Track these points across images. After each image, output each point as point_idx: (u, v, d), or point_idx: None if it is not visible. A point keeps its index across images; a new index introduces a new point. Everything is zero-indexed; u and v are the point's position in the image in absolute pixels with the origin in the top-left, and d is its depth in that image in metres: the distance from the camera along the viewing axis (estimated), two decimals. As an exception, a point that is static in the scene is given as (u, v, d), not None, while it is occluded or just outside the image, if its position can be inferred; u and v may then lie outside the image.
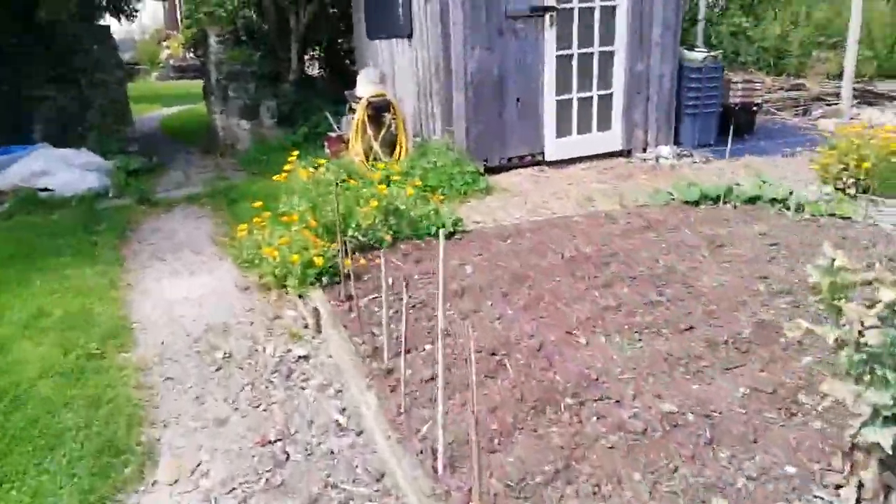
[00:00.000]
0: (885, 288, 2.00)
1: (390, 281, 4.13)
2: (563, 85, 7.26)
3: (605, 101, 7.55)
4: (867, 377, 2.06)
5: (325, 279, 4.43)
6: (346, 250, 4.19)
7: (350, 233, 4.75)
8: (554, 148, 7.41)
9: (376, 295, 4.20)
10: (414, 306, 4.00)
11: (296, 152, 5.56)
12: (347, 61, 11.31)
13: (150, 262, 5.49)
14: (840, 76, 10.67)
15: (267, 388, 3.63)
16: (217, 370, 3.83)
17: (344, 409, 3.38)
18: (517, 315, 3.80)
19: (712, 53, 8.15)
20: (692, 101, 7.92)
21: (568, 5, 7.02)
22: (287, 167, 5.21)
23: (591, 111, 7.52)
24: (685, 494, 2.38)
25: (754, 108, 8.60)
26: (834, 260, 2.09)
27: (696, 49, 8.49)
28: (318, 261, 4.36)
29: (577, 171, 7.30)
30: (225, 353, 3.99)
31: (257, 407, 3.45)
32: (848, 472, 2.24)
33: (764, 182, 5.82)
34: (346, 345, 3.65)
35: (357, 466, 2.95)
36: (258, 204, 5.06)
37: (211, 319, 4.42)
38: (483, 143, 7.07)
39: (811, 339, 3.37)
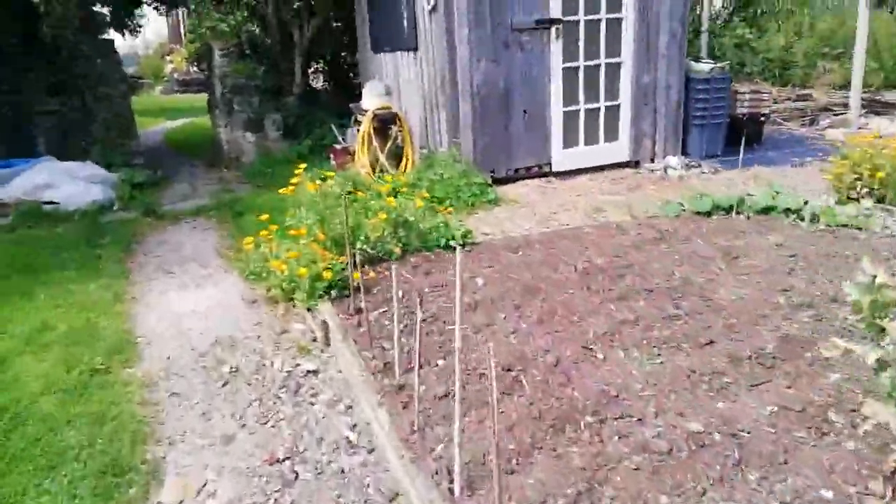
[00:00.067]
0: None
1: (400, 294, 4.03)
2: (569, 96, 7.19)
3: (613, 112, 7.49)
4: (912, 400, 1.96)
5: (333, 292, 4.35)
6: (354, 263, 4.10)
7: (359, 245, 4.66)
8: (561, 159, 7.34)
9: (386, 308, 4.12)
10: (425, 320, 3.90)
11: (303, 165, 5.48)
12: (351, 74, 11.29)
13: (156, 275, 5.41)
14: (845, 87, 10.65)
15: (275, 403, 3.53)
16: (224, 385, 3.73)
17: (354, 426, 3.29)
18: (531, 329, 3.71)
19: (719, 65, 8.10)
20: (700, 112, 7.85)
21: (574, 18, 6.96)
22: (294, 180, 5.14)
23: (598, 122, 7.45)
24: (715, 517, 2.29)
25: (762, 119, 8.53)
26: (875, 277, 1.99)
27: (703, 60, 8.43)
28: (327, 274, 4.28)
29: (584, 182, 7.22)
30: (232, 368, 3.90)
31: (265, 423, 3.36)
32: (890, 496, 2.14)
33: (777, 192, 5.73)
34: (356, 360, 3.55)
35: (369, 486, 2.85)
36: (265, 217, 4.99)
37: (217, 333, 4.33)
38: (490, 155, 7.00)
39: (822, 344, 3.27)
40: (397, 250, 4.86)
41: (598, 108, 7.39)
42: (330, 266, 4.36)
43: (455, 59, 6.71)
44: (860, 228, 5.17)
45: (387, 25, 8.13)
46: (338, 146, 8.22)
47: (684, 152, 7.95)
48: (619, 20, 7.19)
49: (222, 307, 4.74)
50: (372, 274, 4.56)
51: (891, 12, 12.81)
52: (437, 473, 2.61)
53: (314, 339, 4.16)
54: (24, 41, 8.24)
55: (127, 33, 11.26)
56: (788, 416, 2.80)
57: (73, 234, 6.39)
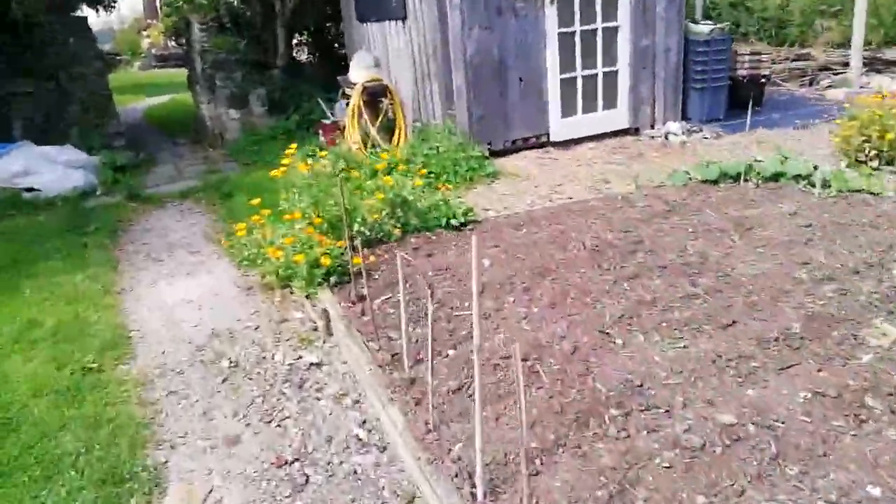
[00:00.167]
0: None
1: (401, 276, 3.85)
2: (566, 63, 6.96)
3: (611, 78, 7.26)
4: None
5: (333, 278, 4.16)
6: (353, 247, 3.91)
7: (356, 228, 4.47)
8: (559, 128, 7.13)
9: (389, 294, 3.94)
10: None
11: (294, 145, 5.25)
12: (336, 45, 10.95)
13: (145, 264, 5.20)
14: (844, 45, 10.42)
15: (279, 399, 3.37)
16: (224, 381, 3.56)
17: (364, 422, 3.13)
18: (544, 313, 3.54)
19: (719, 25, 7.86)
20: (700, 76, 7.64)
21: (569, -20, 6.71)
22: (285, 161, 4.91)
23: (596, 89, 7.23)
24: (757, 518, 2.15)
25: (762, 80, 8.32)
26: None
27: (702, 22, 8.18)
28: (325, 260, 4.08)
29: (584, 152, 7.02)
30: (231, 362, 3.73)
31: (270, 422, 3.20)
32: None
33: (786, 158, 5.55)
34: (363, 352, 3.38)
35: (384, 488, 2.71)
36: (256, 201, 4.77)
37: (213, 324, 4.15)
38: (486, 126, 6.78)
39: (866, 331, 3.13)
40: (397, 231, 4.67)
41: (596, 75, 7.16)
42: (328, 251, 4.16)
43: (446, 27, 6.45)
44: (873, 193, 5.01)
45: (373, -7, 7.84)
46: (326, 121, 7.94)
47: (685, 117, 7.76)
48: (615, -18, 6.93)
49: (216, 296, 4.55)
50: (372, 258, 4.37)
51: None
52: (456, 476, 2.45)
53: (315, 329, 3.98)
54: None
55: (101, 9, 10.82)
56: (824, 403, 2.66)
57: (55, 223, 6.14)
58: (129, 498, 2.75)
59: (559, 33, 6.80)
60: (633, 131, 7.53)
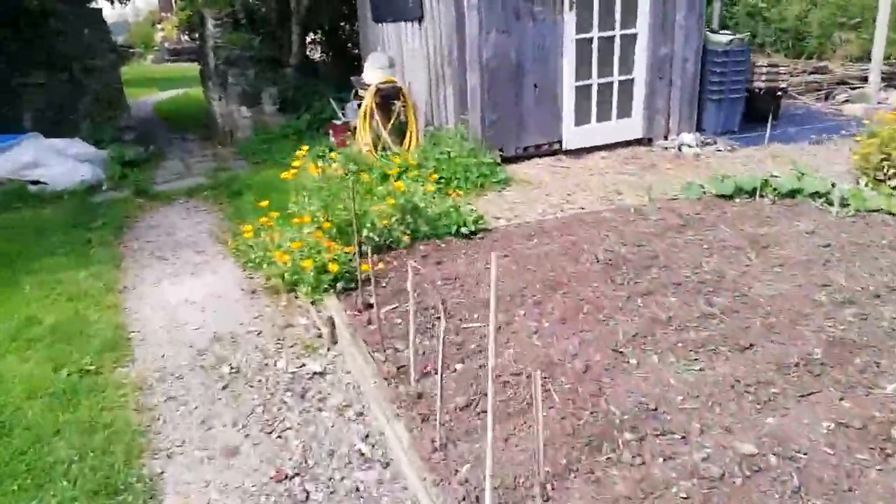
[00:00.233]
0: None
1: (410, 287, 3.75)
2: (582, 70, 6.86)
3: (626, 86, 7.15)
4: None
5: (339, 285, 4.07)
6: (361, 253, 3.82)
7: (365, 233, 4.38)
8: (572, 136, 7.03)
9: (396, 304, 3.84)
10: (438, 317, 3.63)
11: (306, 147, 5.16)
12: (350, 45, 10.87)
13: (149, 262, 5.12)
14: (863, 58, 10.28)
15: (280, 409, 3.28)
16: (224, 388, 3.48)
17: (367, 436, 3.04)
18: (555, 329, 3.44)
19: (738, 36, 7.73)
20: (717, 87, 7.51)
21: (588, -15, 6.61)
22: (296, 163, 4.82)
23: (611, 97, 7.12)
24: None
25: (779, 93, 8.20)
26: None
27: (721, 31, 8.07)
28: (333, 266, 3.99)
29: (597, 161, 6.92)
30: (232, 368, 3.64)
31: (270, 433, 3.11)
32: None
33: (803, 174, 5.44)
34: (368, 364, 3.29)
35: (386, 508, 2.61)
36: (264, 203, 4.69)
37: (216, 328, 4.06)
38: (499, 132, 6.68)
39: (889, 359, 3.03)
40: (406, 238, 4.57)
41: (612, 83, 7.06)
42: (336, 257, 4.07)
43: (463, 30, 6.36)
44: (892, 214, 4.90)
45: (389, -7, 7.75)
46: (337, 122, 7.86)
47: (699, 128, 7.64)
48: (634, -11, 6.83)
49: (220, 298, 4.47)
50: (380, 265, 4.27)
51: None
52: (464, 500, 2.36)
53: (319, 336, 3.89)
54: (8, 12, 7.80)
55: (115, 1, 10.79)
56: (847, 435, 2.55)
57: (61, 217, 6.07)
58: (123, 510, 2.67)
59: (576, 39, 6.71)
60: (647, 141, 7.42)
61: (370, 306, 3.73)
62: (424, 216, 4.69)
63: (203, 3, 9.45)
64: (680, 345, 3.21)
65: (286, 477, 2.80)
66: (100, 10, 9.20)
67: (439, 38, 6.71)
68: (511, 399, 2.89)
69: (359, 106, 7.28)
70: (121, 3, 10.94)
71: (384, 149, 6.90)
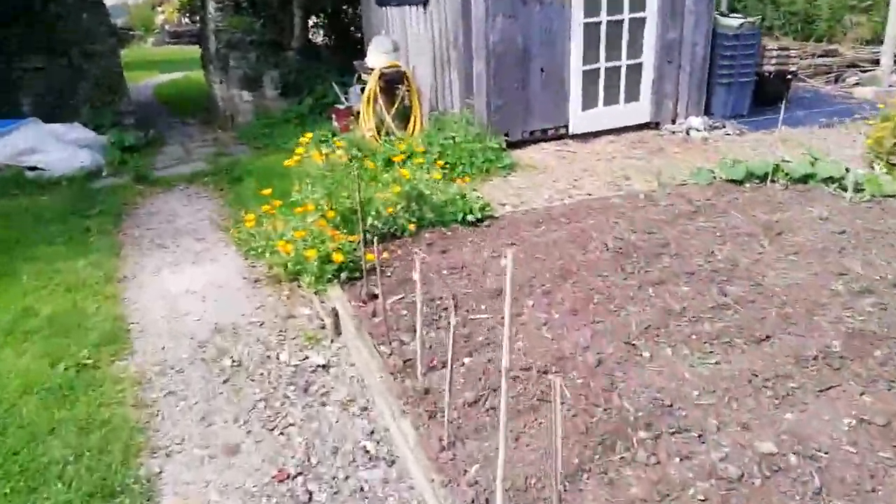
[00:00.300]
0: None
1: (418, 277, 3.66)
2: (590, 54, 6.71)
3: (634, 70, 7.01)
4: None
5: (343, 275, 3.98)
6: (366, 242, 3.72)
7: (370, 221, 4.28)
8: (579, 120, 6.90)
9: (402, 294, 3.75)
10: (445, 308, 3.55)
11: (309, 134, 5.04)
12: (352, 28, 10.71)
13: (149, 250, 5.02)
14: (874, 41, 10.10)
15: (283, 404, 3.19)
16: (225, 382, 3.39)
17: (372, 433, 2.96)
18: (565, 320, 3.34)
19: (749, 20, 7.56)
20: (726, 70, 7.36)
21: (597, -32, 6.45)
22: (299, 150, 4.70)
23: (618, 82, 6.98)
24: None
25: (789, 77, 8.05)
26: None
27: (731, 15, 7.90)
28: (337, 256, 3.90)
29: (603, 146, 6.79)
30: (234, 361, 3.55)
31: (272, 430, 3.02)
32: None
33: (816, 159, 5.31)
34: (373, 357, 3.20)
35: (392, 508, 2.53)
36: (267, 191, 4.58)
37: (217, 318, 3.97)
38: (505, 117, 6.55)
39: (911, 352, 2.93)
40: (411, 226, 4.47)
41: (620, 67, 6.91)
42: (340, 246, 3.97)
43: (469, 14, 6.22)
44: (908, 200, 4.78)
45: (393, -24, 7.59)
46: (340, 106, 7.73)
47: (707, 112, 7.50)
48: (644, -29, 6.67)
49: (221, 287, 4.37)
50: (385, 254, 4.18)
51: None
52: (473, 502, 2.27)
53: (322, 327, 3.80)
54: (8, 12, 7.66)
55: (115, -16, 10.64)
56: (869, 432, 2.46)
57: (59, 204, 5.96)
58: (120, 514, 2.59)
59: (584, 23, 6.56)
60: (654, 125, 7.29)
61: (375, 297, 3.64)
62: (430, 203, 4.59)
63: (203, -14, 9.29)
64: (694, 337, 3.12)
65: (288, 476, 2.72)
66: (100, -7, 9.04)
67: (444, 22, 6.57)
68: (521, 395, 2.80)
69: (362, 90, 7.15)
70: (120, -15, 10.79)
71: (388, 133, 6.78)
